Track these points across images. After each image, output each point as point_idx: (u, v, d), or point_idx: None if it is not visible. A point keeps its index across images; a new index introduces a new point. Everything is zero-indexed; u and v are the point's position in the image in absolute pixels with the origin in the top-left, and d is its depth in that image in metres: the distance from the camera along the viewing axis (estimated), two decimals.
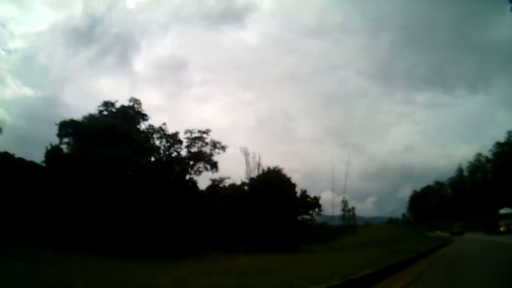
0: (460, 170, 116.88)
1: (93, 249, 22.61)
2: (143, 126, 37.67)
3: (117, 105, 37.53)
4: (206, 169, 37.09)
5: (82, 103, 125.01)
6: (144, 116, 37.80)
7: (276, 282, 8.09)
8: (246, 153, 51.24)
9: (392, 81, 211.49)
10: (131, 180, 26.98)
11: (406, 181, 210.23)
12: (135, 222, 26.41)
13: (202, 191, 39.04)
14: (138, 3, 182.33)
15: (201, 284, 8.26)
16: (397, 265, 11.96)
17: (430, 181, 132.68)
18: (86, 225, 25.07)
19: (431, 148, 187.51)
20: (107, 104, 37.28)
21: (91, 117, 35.31)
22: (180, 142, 36.71)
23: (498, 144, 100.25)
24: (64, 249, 21.79)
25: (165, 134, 36.42)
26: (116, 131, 31.33)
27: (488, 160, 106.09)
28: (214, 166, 37.32)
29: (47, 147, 33.76)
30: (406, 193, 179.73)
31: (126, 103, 37.94)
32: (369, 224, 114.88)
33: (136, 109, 37.76)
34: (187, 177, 36.78)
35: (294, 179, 46.69)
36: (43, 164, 33.89)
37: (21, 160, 36.94)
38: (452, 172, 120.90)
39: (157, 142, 36.47)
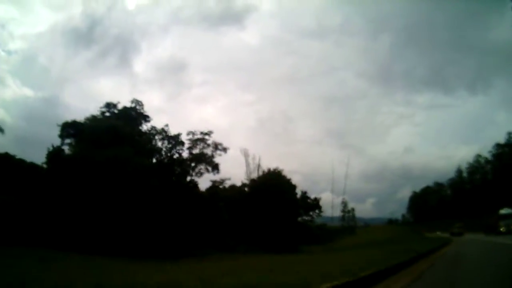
0: (459, 171, 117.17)
1: (95, 250, 22.78)
2: (145, 127, 37.97)
3: (119, 106, 37.79)
4: (208, 170, 37.36)
5: (82, 104, 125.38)
6: (146, 118, 38.05)
7: (295, 278, 8.34)
8: (246, 154, 51.42)
9: (392, 83, 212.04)
10: (133, 181, 27.09)
11: (406, 182, 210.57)
12: (136, 223, 26.55)
13: (202, 192, 39.22)
14: (138, 4, 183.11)
15: (227, 281, 8.47)
16: (398, 266, 12.09)
17: (429, 182, 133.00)
18: (87, 226, 25.21)
19: (431, 149, 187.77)
20: (109, 106, 37.50)
21: (93, 119, 35.51)
22: (182, 143, 36.97)
23: (498, 146, 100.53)
24: (65, 250, 21.92)
25: (167, 136, 36.64)
26: (118, 132, 31.49)
27: (487, 161, 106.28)
28: (215, 167, 37.57)
29: (48, 148, 33.89)
30: (405, 194, 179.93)
31: (128, 105, 38.22)
32: (368, 225, 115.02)
33: (138, 111, 37.99)
34: (189, 178, 36.98)
35: (294, 180, 47.03)
36: (44, 165, 34.04)
37: (21, 161, 37.15)
38: (451, 173, 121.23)
39: (159, 144, 36.75)
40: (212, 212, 36.34)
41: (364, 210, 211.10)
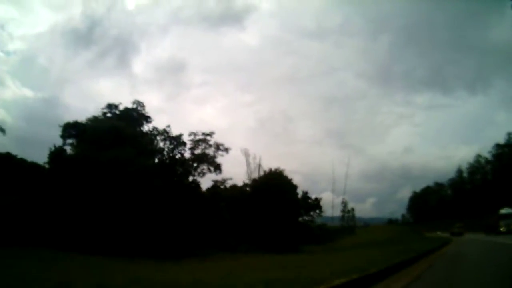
0: (459, 171, 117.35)
1: (97, 250, 22.89)
2: (146, 128, 38.18)
3: (121, 107, 37.99)
4: (210, 170, 37.66)
5: (81, 104, 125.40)
6: (147, 118, 38.27)
7: (312, 273, 8.81)
8: (246, 154, 51.64)
9: (391, 83, 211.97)
10: (135, 182, 27.24)
11: (406, 182, 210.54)
12: (138, 223, 26.68)
13: (204, 192, 39.43)
14: (138, 4, 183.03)
15: (254, 277, 8.87)
16: (398, 265, 12.25)
17: (429, 182, 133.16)
18: (89, 226, 25.32)
19: (431, 149, 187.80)
20: (110, 106, 37.69)
21: (94, 119, 35.67)
22: (184, 144, 37.22)
23: (498, 146, 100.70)
24: (67, 250, 22.04)
25: (169, 136, 36.86)
26: (120, 133, 31.64)
27: (487, 161, 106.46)
28: (217, 168, 37.86)
29: (50, 149, 34.03)
30: (405, 194, 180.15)
31: (129, 105, 38.44)
32: (368, 225, 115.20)
33: (140, 111, 38.21)
34: (191, 178, 37.20)
35: (294, 180, 47.11)
36: (46, 165, 34.18)
37: (23, 161, 37.28)
38: (451, 173, 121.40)
39: (161, 144, 36.97)
40: (214, 212, 36.52)
41: (364, 210, 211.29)
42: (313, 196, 53.91)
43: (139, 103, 38.71)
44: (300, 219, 49.65)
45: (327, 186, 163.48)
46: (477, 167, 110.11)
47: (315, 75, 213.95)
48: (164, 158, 36.83)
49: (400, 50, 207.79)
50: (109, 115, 37.38)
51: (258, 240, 38.06)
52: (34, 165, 36.11)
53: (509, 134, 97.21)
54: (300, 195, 49.48)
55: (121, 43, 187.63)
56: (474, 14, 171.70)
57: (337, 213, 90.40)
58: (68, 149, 34.89)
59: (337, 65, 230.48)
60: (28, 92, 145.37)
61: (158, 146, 36.76)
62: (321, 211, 54.84)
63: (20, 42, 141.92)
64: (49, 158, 33.77)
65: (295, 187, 46.23)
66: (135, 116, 37.98)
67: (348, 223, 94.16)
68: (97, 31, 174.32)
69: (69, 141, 36.03)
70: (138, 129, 37.10)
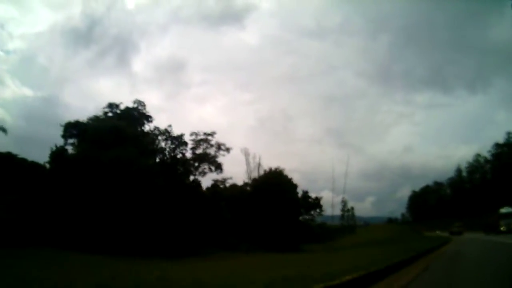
0: (459, 171, 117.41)
1: (99, 249, 22.97)
2: (147, 127, 38.35)
3: (122, 106, 38.10)
4: (211, 170, 37.89)
5: (81, 103, 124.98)
6: (148, 118, 38.42)
7: (321, 270, 9.14)
8: (246, 154, 51.81)
9: (391, 82, 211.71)
10: (137, 181, 27.36)
11: (405, 181, 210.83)
12: (140, 222, 26.81)
13: (204, 192, 39.63)
14: (137, 3, 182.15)
15: (268, 274, 9.15)
16: (399, 264, 12.38)
17: (429, 181, 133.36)
18: (92, 225, 25.43)
19: (430, 148, 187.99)
20: (111, 106, 37.84)
21: (96, 119, 35.81)
22: (185, 144, 37.43)
23: (497, 145, 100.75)
24: (70, 249, 22.13)
25: (170, 136, 37.04)
26: (122, 132, 31.77)
27: (487, 161, 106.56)
28: (218, 167, 38.08)
29: (52, 148, 34.15)
30: (405, 193, 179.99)
31: (130, 105, 38.58)
32: (368, 224, 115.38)
33: (141, 111, 38.36)
34: (192, 178, 37.43)
35: (293, 179, 47.30)
36: (46, 165, 34.29)
37: (23, 160, 37.34)
38: (451, 173, 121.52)
39: (163, 144, 37.15)
40: (215, 211, 36.68)
41: (364, 209, 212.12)
42: (312, 195, 54.34)
43: (140, 103, 38.94)
44: (300, 218, 49.91)
45: (326, 184, 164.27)
46: (477, 167, 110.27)
47: (315, 74, 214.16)
48: (165, 157, 37.01)
49: (400, 49, 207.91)
50: (110, 114, 37.53)
51: (259, 239, 38.23)
52: (34, 165, 36.18)
53: (508, 133, 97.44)
54: (300, 194, 49.81)
55: (121, 42, 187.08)
56: (474, 13, 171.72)
57: (337, 212, 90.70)
58: (70, 148, 35.08)
59: (337, 64, 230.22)
60: (27, 91, 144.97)
61: (160, 146, 36.92)
62: (321, 210, 55.20)
63: (19, 41, 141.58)
64: (51, 157, 33.87)
65: (295, 186, 46.49)
66: (136, 115, 38.15)
67: (348, 222, 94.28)
68: (97, 30, 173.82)
69: (70, 140, 36.22)
70: (139, 129, 37.28)
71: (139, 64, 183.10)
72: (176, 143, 37.10)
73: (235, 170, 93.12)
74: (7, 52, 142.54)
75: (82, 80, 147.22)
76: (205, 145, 37.77)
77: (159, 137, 37.17)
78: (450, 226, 62.30)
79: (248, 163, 51.09)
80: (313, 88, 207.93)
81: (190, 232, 31.31)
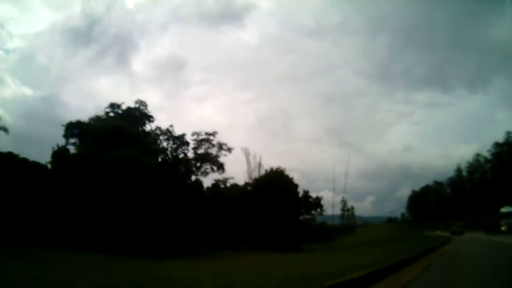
0: (459, 170, 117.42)
1: (101, 248, 23.09)
2: (148, 127, 38.52)
3: (123, 106, 38.26)
4: (213, 170, 38.09)
5: (81, 102, 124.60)
6: (150, 118, 38.61)
7: (329, 269, 9.46)
8: (247, 153, 51.93)
9: (391, 81, 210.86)
10: (140, 181, 27.49)
11: (405, 180, 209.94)
12: (142, 222, 26.93)
13: (206, 191, 39.79)
14: (137, 3, 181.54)
15: (281, 272, 9.44)
16: (400, 263, 12.51)
17: (429, 181, 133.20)
18: (94, 225, 25.56)
19: (430, 147, 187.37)
20: (113, 106, 38.01)
21: (97, 119, 35.95)
22: (187, 144, 37.61)
23: (497, 145, 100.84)
24: (72, 248, 22.28)
25: (172, 136, 37.20)
26: (123, 132, 31.89)
27: (487, 160, 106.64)
28: (220, 167, 38.26)
29: (53, 148, 34.27)
30: (405, 192, 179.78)
31: (132, 105, 38.74)
32: (368, 223, 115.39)
33: (142, 111, 38.53)
34: (194, 178, 37.61)
35: (294, 179, 47.39)
36: (47, 164, 34.42)
37: (24, 160, 37.48)
38: (451, 172, 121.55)
39: (164, 144, 37.32)
40: (216, 211, 36.80)
41: (363, 208, 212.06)
42: (312, 195, 54.50)
43: (142, 103, 39.14)
44: (301, 218, 50.02)
45: (325, 184, 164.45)
46: (477, 166, 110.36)
47: (314, 73, 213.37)
48: (167, 157, 37.15)
49: (400, 48, 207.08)
50: (111, 114, 37.68)
51: (260, 239, 38.37)
52: (36, 164, 36.32)
53: (508, 133, 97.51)
54: (301, 194, 49.90)
55: (120, 41, 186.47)
56: (474, 13, 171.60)
57: (337, 211, 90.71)
58: (71, 148, 35.19)
59: (337, 63, 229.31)
60: (27, 91, 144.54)
61: (162, 146, 37.08)
62: (322, 210, 55.31)
63: (19, 41, 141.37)
64: (52, 157, 33.99)
65: (296, 186, 46.59)
66: (137, 115, 38.34)
67: (348, 222, 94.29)
68: (97, 30, 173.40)
69: (72, 140, 36.35)
70: (140, 129, 37.44)
71: (138, 63, 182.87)
72: (178, 143, 37.28)
73: (235, 170, 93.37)
74: (7, 51, 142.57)
75: (82, 79, 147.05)
76: (206, 145, 37.99)
77: (161, 137, 37.35)
78: (450, 226, 62.20)
79: (248, 163, 51.29)
80: (312, 87, 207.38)
81: (192, 232, 31.43)
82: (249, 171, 50.81)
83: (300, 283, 7.55)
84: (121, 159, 27.77)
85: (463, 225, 60.68)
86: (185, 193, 33.21)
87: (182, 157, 37.64)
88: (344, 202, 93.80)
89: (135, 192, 27.06)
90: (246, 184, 48.53)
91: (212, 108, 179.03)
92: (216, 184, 41.71)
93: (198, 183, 38.09)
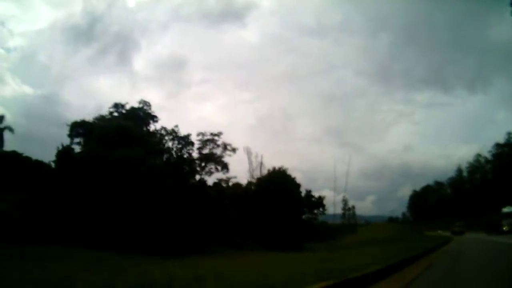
0: (459, 171, 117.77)
1: (105, 246, 23.36)
2: (152, 127, 38.92)
3: (127, 106, 38.66)
4: (217, 170, 38.54)
5: (82, 101, 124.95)
6: (153, 118, 38.97)
7: (337, 266, 9.84)
8: (249, 153, 52.23)
9: (391, 81, 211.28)
10: (146, 181, 27.80)
11: (406, 180, 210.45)
12: (147, 221, 27.22)
13: (209, 191, 40.11)
14: (138, 1, 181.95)
15: (295, 270, 9.80)
16: (401, 263, 12.76)
17: (429, 181, 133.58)
18: (99, 223, 25.84)
19: (431, 147, 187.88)
20: (117, 106, 38.42)
21: (102, 118, 36.30)
22: (192, 144, 38.01)
23: (497, 145, 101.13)
24: (78, 246, 22.52)
25: (177, 136, 37.59)
26: (128, 132, 32.21)
27: (487, 161, 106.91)
28: (225, 167, 38.72)
29: (58, 147, 34.59)
30: (405, 192, 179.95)
31: (135, 105, 39.16)
32: (369, 223, 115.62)
33: (146, 111, 38.90)
34: (198, 177, 38.01)
35: (296, 179, 47.67)
36: (51, 163, 34.75)
37: (28, 159, 37.83)
38: (451, 172, 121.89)
39: (170, 144, 37.72)
40: (220, 210, 37.12)
41: (364, 207, 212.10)
42: (314, 194, 54.81)
43: (145, 103, 39.55)
44: (303, 217, 50.34)
45: (325, 183, 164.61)
46: (477, 167, 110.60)
47: (314, 73, 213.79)
48: (172, 157, 37.53)
49: (400, 48, 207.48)
50: (115, 114, 38.05)
51: (263, 238, 38.72)
52: (39, 163, 36.64)
53: (509, 133, 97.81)
54: (303, 193, 50.22)
55: (121, 40, 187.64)
56: (474, 13, 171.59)
57: (338, 211, 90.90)
58: (76, 148, 35.52)
59: (337, 63, 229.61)
60: (28, 89, 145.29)
61: (167, 146, 37.48)
62: (324, 209, 55.66)
63: (20, 39, 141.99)
64: (57, 156, 34.28)
65: (298, 185, 46.90)
66: (141, 115, 38.73)
67: (349, 221, 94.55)
68: (98, 28, 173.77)
69: (76, 140, 36.71)
70: (144, 129, 37.81)
71: (139, 62, 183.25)
72: (183, 143, 37.68)
73: (236, 169, 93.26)
74: (7, 50, 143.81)
75: (83, 78, 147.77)
76: (211, 145, 38.43)
77: (166, 137, 37.73)
78: (451, 226, 62.31)
79: (250, 162, 51.60)
80: (313, 87, 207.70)
81: (197, 231, 31.71)
82: (251, 170, 51.22)
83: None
84: (127, 159, 28.08)
85: (463, 225, 60.77)
86: (189, 193, 33.52)
87: (187, 157, 38.04)
88: (345, 201, 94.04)
89: (141, 191, 27.36)
90: (249, 183, 48.90)
91: (213, 107, 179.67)
92: (218, 183, 42.04)
93: (202, 182, 38.48)
